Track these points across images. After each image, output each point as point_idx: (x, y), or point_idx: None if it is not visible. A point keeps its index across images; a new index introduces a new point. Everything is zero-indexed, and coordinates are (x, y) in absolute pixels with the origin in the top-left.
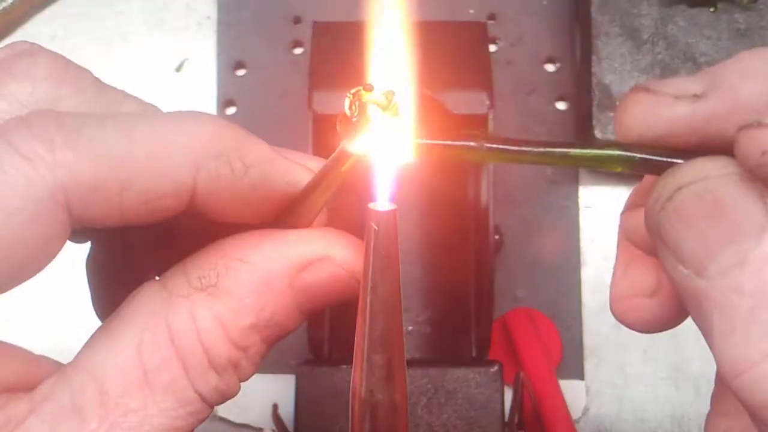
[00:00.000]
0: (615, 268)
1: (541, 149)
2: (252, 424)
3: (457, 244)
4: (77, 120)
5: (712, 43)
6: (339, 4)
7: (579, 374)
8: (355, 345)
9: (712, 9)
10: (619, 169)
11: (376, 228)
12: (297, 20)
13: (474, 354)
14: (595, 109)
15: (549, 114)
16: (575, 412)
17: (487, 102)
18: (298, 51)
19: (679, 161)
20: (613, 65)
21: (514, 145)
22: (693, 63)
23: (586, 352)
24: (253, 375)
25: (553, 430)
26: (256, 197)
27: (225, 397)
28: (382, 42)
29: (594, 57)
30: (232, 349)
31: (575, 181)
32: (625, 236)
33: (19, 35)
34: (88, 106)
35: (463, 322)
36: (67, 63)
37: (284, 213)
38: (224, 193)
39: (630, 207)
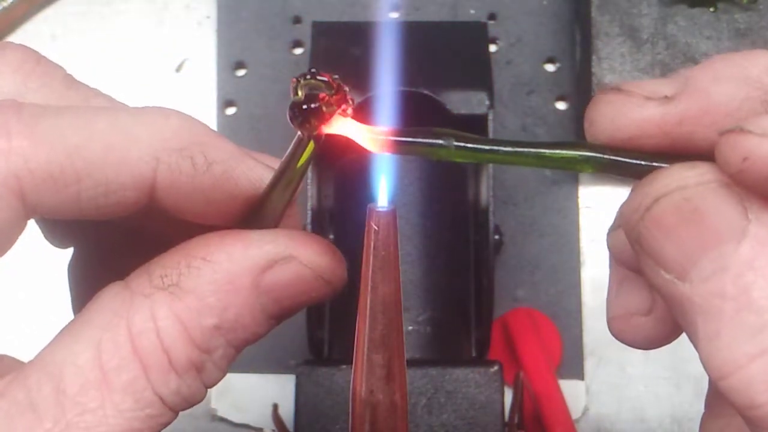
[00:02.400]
0: (609, 287)
1: (511, 149)
2: (252, 424)
3: (457, 245)
4: (37, 110)
5: (712, 43)
6: (339, 4)
7: (579, 374)
8: (355, 345)
9: (712, 9)
10: (589, 171)
11: (376, 228)
12: (297, 20)
13: (474, 354)
14: None
15: (549, 114)
16: (575, 412)
17: (487, 102)
18: (298, 51)
19: (651, 164)
20: (613, 65)
21: (483, 144)
22: (693, 63)
23: (586, 352)
24: (219, 380)
25: (553, 430)
26: (219, 195)
27: (188, 401)
28: (381, 42)
29: (594, 57)
30: (194, 350)
31: (575, 181)
32: (613, 256)
33: (19, 35)
34: (56, 101)
35: (463, 322)
36: (39, 58)
37: (250, 213)
38: (185, 188)
39: (615, 227)
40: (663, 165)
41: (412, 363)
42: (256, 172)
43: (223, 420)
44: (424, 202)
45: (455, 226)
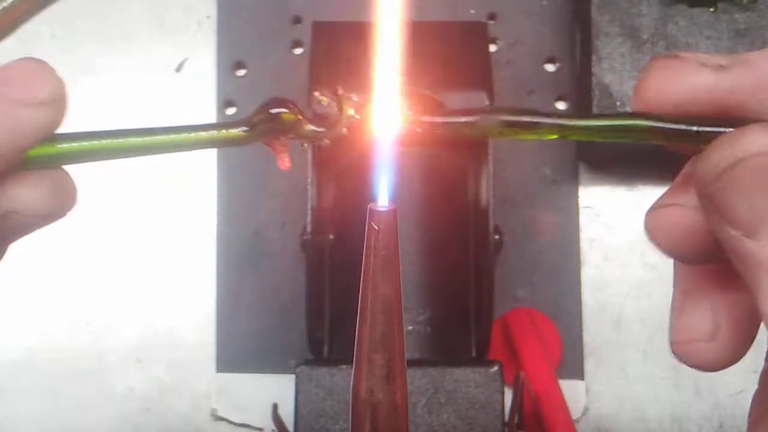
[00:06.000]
0: (672, 306)
1: (558, 121)
2: (252, 424)
3: (457, 244)
4: None
5: (712, 43)
6: (339, 4)
7: (579, 374)
8: (355, 345)
9: (712, 9)
10: (629, 140)
11: (377, 228)
12: (297, 20)
13: (474, 354)
14: (595, 109)
15: None
16: (575, 412)
17: (487, 102)
18: (298, 51)
19: (690, 128)
20: (613, 65)
21: (530, 117)
22: None
23: (586, 352)
24: None
25: (553, 430)
26: None
27: None
28: (382, 42)
29: (594, 57)
30: None
31: (575, 181)
32: (653, 238)
33: (19, 35)
34: None
35: (463, 322)
36: None
37: None
38: None
39: (659, 206)
40: (714, 130)
41: (412, 363)
42: None
43: (223, 420)
44: (424, 202)
45: (455, 226)
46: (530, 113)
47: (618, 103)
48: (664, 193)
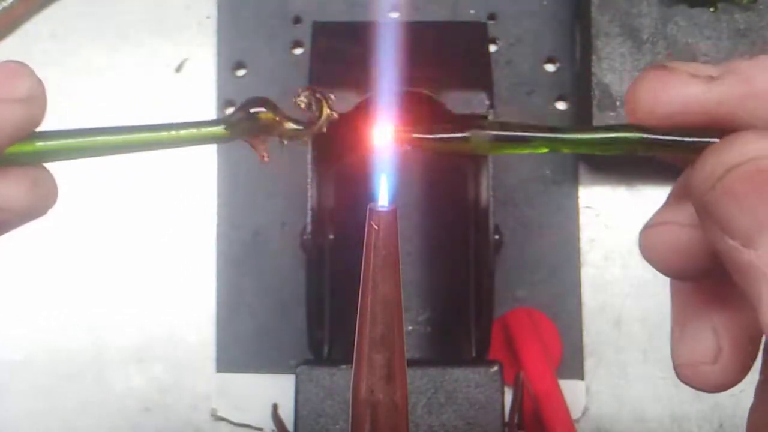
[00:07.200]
0: (672, 328)
1: (549, 135)
2: (252, 424)
3: (457, 244)
4: None
5: (712, 43)
6: (339, 4)
7: (579, 374)
8: (355, 345)
9: (712, 9)
10: (621, 152)
11: (377, 228)
12: (297, 20)
13: (474, 354)
14: (595, 109)
15: (549, 114)
16: (575, 412)
17: (487, 102)
18: (298, 51)
19: (708, 140)
20: (613, 65)
21: (522, 132)
22: None
23: (586, 352)
24: None
25: (553, 430)
26: None
27: None
28: (382, 42)
29: (594, 57)
30: None
31: (575, 181)
32: (649, 257)
33: (19, 35)
34: None
35: (463, 322)
36: None
37: None
38: None
39: (653, 224)
40: (705, 140)
41: (412, 363)
42: None
43: (223, 420)
44: (424, 202)
45: (455, 226)
46: (521, 127)
47: (618, 103)
48: (658, 211)
